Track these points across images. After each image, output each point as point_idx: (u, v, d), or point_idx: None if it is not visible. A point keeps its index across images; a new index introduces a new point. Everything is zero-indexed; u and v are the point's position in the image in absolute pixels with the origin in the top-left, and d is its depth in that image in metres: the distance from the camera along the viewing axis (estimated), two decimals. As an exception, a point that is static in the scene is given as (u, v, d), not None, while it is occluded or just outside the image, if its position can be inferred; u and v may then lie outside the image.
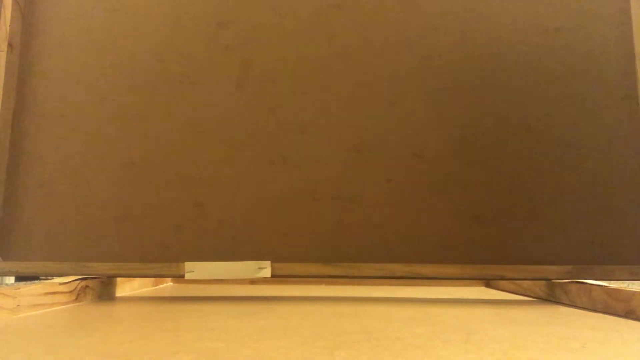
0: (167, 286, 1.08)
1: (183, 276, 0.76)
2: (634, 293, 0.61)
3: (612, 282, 0.73)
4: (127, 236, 0.78)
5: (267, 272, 0.75)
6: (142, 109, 0.81)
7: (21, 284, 0.67)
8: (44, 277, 0.84)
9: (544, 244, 0.76)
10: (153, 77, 0.81)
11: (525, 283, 0.89)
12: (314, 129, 0.80)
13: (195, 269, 0.76)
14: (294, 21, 0.82)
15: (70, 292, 0.71)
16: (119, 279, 0.85)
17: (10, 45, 0.79)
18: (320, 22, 0.82)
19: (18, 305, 0.59)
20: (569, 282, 0.75)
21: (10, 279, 1.19)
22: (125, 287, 0.89)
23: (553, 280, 0.78)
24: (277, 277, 0.76)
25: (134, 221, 0.78)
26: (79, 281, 0.73)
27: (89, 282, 0.75)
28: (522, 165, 0.78)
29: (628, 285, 0.74)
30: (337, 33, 0.82)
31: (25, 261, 0.76)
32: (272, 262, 0.76)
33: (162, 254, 0.77)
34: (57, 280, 0.70)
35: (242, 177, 0.79)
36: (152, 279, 1.03)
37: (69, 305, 0.69)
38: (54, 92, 0.81)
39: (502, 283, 0.99)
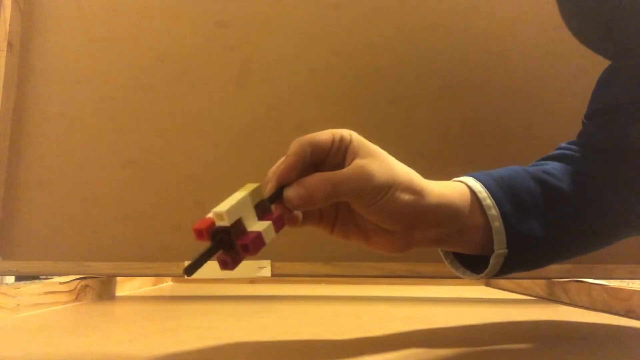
0: (167, 285, 1.08)
1: (183, 275, 0.76)
2: (633, 292, 0.61)
3: (611, 281, 0.73)
4: (127, 236, 0.78)
5: (267, 272, 0.75)
6: (142, 109, 0.80)
7: (21, 283, 0.67)
8: (44, 277, 0.84)
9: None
10: (153, 77, 0.81)
11: (525, 282, 0.89)
12: (313, 128, 0.79)
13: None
14: (294, 20, 0.82)
15: (70, 291, 0.71)
16: (119, 279, 0.85)
17: (10, 44, 0.79)
18: (319, 22, 0.82)
19: (18, 305, 0.59)
20: (568, 281, 0.75)
21: (10, 279, 1.19)
22: (125, 287, 0.89)
23: (553, 279, 0.78)
24: (277, 277, 0.76)
25: (134, 221, 0.78)
26: (79, 280, 0.73)
27: (89, 282, 0.75)
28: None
29: (628, 284, 0.74)
30: (337, 32, 0.82)
31: (25, 261, 0.76)
32: (272, 261, 0.76)
33: (162, 253, 0.77)
34: (57, 279, 0.70)
35: (241, 176, 0.79)
36: (152, 279, 1.03)
37: (69, 305, 0.69)
38: (54, 92, 0.81)
39: (502, 282, 0.99)
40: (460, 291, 0.96)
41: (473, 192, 0.42)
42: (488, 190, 0.41)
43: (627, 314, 0.61)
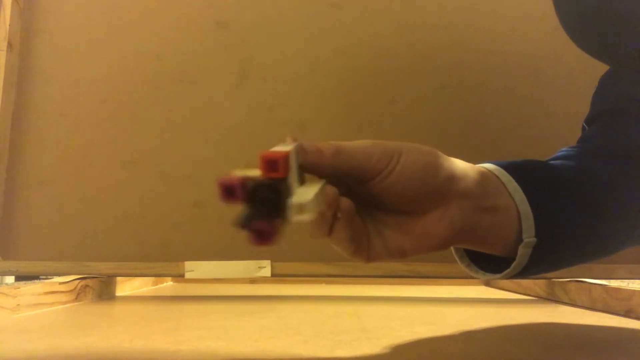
0: (167, 286, 1.08)
1: (183, 275, 0.76)
2: (633, 292, 0.61)
3: (611, 281, 0.73)
4: (127, 236, 0.78)
5: (267, 272, 0.75)
6: (142, 109, 0.80)
7: (21, 283, 0.67)
8: (43, 277, 0.84)
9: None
10: (153, 77, 0.81)
11: (525, 282, 0.89)
12: (313, 128, 0.80)
13: (195, 269, 0.76)
14: (294, 20, 0.82)
15: (70, 291, 0.71)
16: (119, 279, 0.85)
17: (10, 44, 0.79)
18: (320, 22, 0.82)
19: (18, 305, 0.59)
20: (568, 281, 0.75)
21: (10, 279, 1.19)
22: (126, 287, 0.89)
23: (553, 279, 0.78)
24: (277, 277, 0.76)
25: (134, 221, 0.78)
26: (79, 280, 0.73)
27: (89, 282, 0.75)
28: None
29: (628, 284, 0.74)
30: (337, 32, 0.82)
31: (25, 260, 0.76)
32: (272, 261, 0.76)
33: (162, 253, 0.77)
34: (57, 279, 0.70)
35: (242, 176, 0.79)
36: (152, 279, 1.03)
37: (69, 305, 0.69)
38: (54, 92, 0.81)
39: (502, 282, 0.99)
40: (460, 291, 0.96)
41: (495, 176, 0.39)
42: (511, 174, 0.39)
43: (627, 314, 0.61)
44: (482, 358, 0.39)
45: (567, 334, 0.52)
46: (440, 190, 0.36)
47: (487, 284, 1.06)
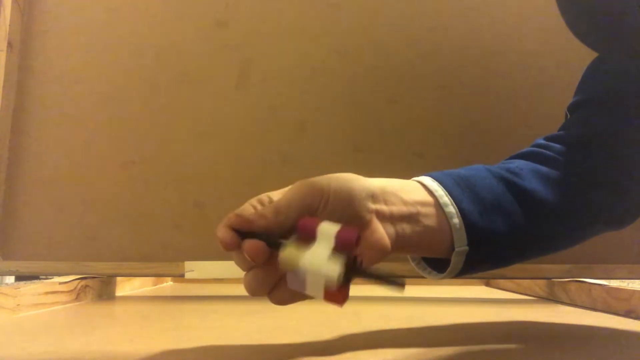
0: (167, 285, 1.08)
1: (183, 275, 0.76)
2: (633, 292, 0.61)
3: (611, 280, 0.73)
4: (127, 236, 0.78)
5: (267, 272, 0.75)
6: (142, 109, 0.80)
7: (21, 283, 0.67)
8: (44, 277, 0.84)
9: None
10: (153, 77, 0.81)
11: (525, 282, 0.89)
12: (313, 128, 0.80)
13: (195, 269, 0.76)
14: (294, 20, 0.82)
15: (71, 291, 0.71)
16: (119, 279, 0.85)
17: (10, 45, 0.79)
18: (319, 22, 0.82)
19: (18, 305, 0.59)
20: (568, 281, 0.75)
21: (10, 279, 1.19)
22: (125, 287, 0.89)
23: (553, 280, 0.78)
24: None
25: (134, 221, 0.78)
26: (79, 280, 0.73)
27: (89, 282, 0.75)
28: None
29: (628, 284, 0.74)
30: (337, 32, 0.82)
31: (25, 261, 0.76)
32: (272, 261, 0.75)
33: (162, 253, 0.77)
34: (57, 279, 0.70)
35: (242, 176, 0.79)
36: (152, 279, 1.03)
37: (69, 305, 0.69)
38: (54, 92, 0.81)
39: (502, 282, 0.99)
40: (460, 291, 0.96)
41: (430, 191, 0.41)
42: (445, 189, 0.41)
43: (627, 314, 0.61)
44: (483, 358, 0.39)
45: (567, 334, 0.52)
46: (366, 206, 0.38)
47: (487, 284, 1.06)
